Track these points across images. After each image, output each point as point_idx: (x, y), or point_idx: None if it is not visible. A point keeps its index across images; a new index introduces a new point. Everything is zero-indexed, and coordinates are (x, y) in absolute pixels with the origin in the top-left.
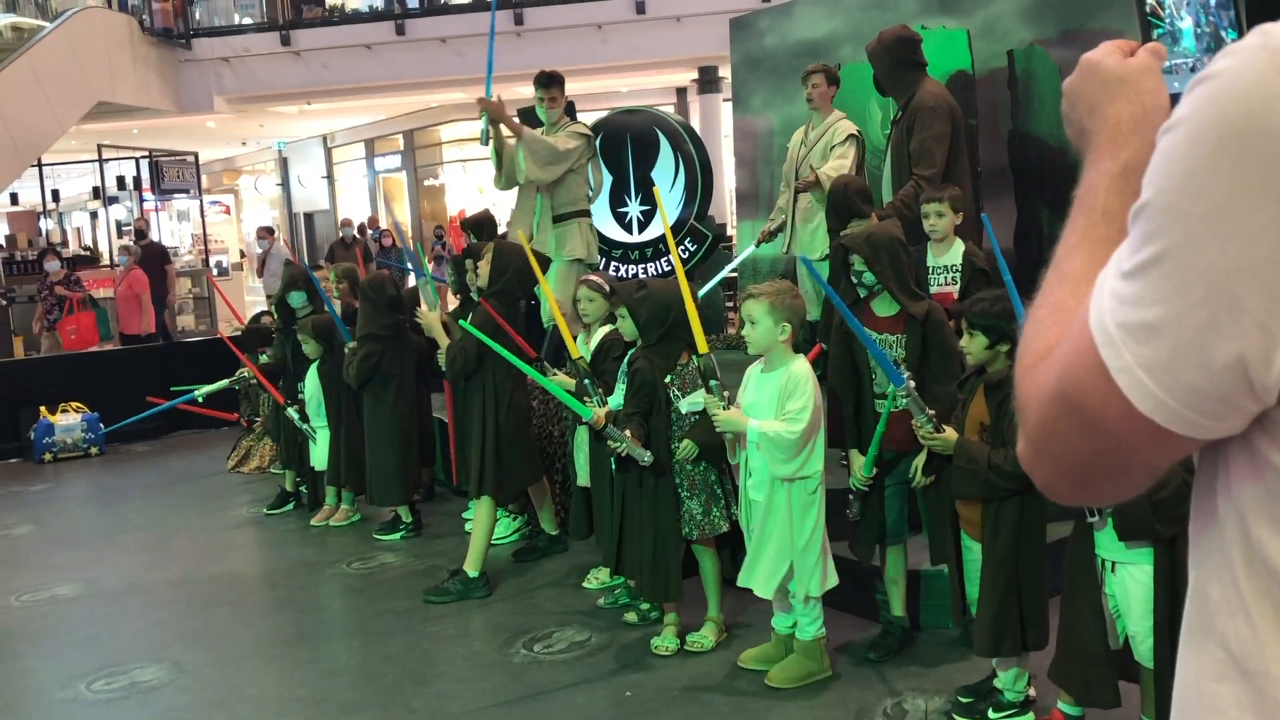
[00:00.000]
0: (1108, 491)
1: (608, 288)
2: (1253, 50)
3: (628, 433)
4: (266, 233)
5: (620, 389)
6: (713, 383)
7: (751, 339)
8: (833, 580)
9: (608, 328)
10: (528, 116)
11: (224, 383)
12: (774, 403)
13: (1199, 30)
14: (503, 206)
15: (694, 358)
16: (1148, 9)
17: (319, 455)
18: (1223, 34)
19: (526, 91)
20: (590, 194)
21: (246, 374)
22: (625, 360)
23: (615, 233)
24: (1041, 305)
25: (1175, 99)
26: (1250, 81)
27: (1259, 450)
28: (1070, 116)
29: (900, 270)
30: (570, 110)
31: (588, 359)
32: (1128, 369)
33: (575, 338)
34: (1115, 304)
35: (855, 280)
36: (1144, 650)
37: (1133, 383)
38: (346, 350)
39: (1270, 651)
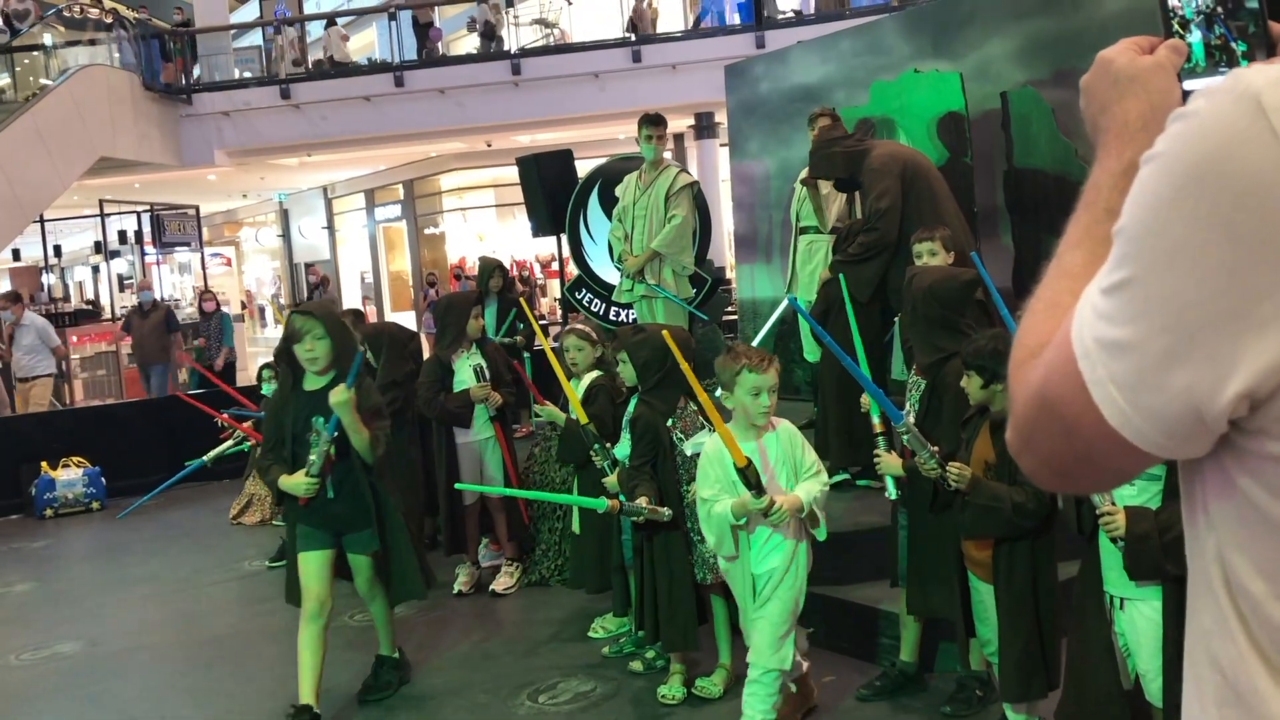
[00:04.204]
0: (1085, 486)
1: (595, 336)
2: (1222, 93)
3: (641, 501)
4: (10, 301)
5: (626, 439)
6: (760, 483)
7: (769, 406)
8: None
9: (594, 374)
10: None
11: (229, 445)
12: (785, 463)
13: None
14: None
15: (736, 470)
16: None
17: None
18: (1232, 45)
19: (525, 139)
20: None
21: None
22: (628, 411)
23: (614, 277)
24: (1039, 299)
25: (1187, 97)
26: (1215, 125)
27: (1228, 471)
28: (1085, 113)
29: (919, 321)
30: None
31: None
32: (1101, 383)
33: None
34: (1093, 318)
35: None
36: (1154, 689)
37: (1105, 396)
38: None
39: (1254, 667)
